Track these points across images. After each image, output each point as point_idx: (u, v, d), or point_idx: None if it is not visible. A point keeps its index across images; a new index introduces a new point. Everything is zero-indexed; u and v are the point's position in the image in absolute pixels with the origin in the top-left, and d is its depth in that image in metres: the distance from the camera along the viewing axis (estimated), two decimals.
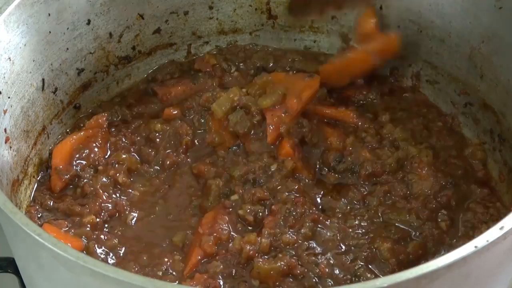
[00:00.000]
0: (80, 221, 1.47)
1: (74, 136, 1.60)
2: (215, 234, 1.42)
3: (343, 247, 1.43)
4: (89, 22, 1.65)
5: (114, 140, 1.62)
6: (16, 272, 1.42)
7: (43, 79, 1.59)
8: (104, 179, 1.54)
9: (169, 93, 1.73)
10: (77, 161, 1.57)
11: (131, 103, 1.75)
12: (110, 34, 1.71)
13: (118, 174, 1.54)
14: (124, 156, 1.58)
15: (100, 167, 1.56)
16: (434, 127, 1.66)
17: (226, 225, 1.44)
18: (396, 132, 1.61)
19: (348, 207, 1.50)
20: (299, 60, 1.81)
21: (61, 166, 1.55)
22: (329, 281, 1.36)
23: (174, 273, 1.40)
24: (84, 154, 1.57)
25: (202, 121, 1.65)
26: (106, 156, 1.59)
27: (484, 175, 1.58)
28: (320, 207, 1.51)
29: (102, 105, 1.74)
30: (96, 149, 1.58)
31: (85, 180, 1.54)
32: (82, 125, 1.67)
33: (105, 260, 1.42)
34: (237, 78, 1.76)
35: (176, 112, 1.67)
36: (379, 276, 1.36)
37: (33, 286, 1.37)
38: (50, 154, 1.60)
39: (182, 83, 1.75)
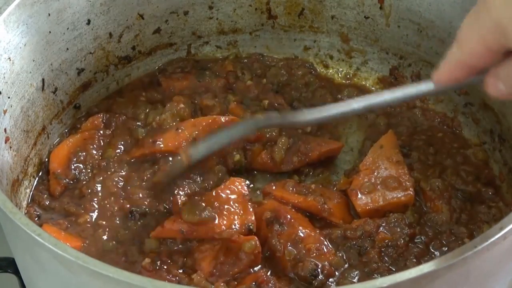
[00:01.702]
0: (75, 221, 1.47)
1: (71, 139, 1.59)
2: None
3: None
4: (89, 22, 1.65)
5: (109, 136, 1.62)
6: (16, 272, 1.42)
7: (43, 79, 1.59)
8: (101, 179, 1.54)
9: (173, 87, 1.73)
10: (75, 164, 1.57)
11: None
12: (110, 34, 1.71)
13: (113, 175, 1.54)
14: (115, 151, 1.58)
15: (95, 170, 1.55)
16: (436, 136, 1.65)
17: None
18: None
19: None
20: (312, 77, 1.81)
21: (59, 171, 1.55)
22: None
23: None
24: (81, 157, 1.57)
25: None
26: (101, 156, 1.59)
27: (487, 174, 1.58)
28: None
29: (98, 104, 1.74)
30: (93, 151, 1.58)
31: (83, 182, 1.54)
32: (79, 126, 1.66)
33: None
34: (249, 88, 1.76)
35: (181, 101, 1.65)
36: None
37: (33, 286, 1.37)
38: (48, 158, 1.60)
39: (187, 79, 1.75)
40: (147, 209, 1.49)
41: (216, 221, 1.39)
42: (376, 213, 1.46)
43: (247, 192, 1.45)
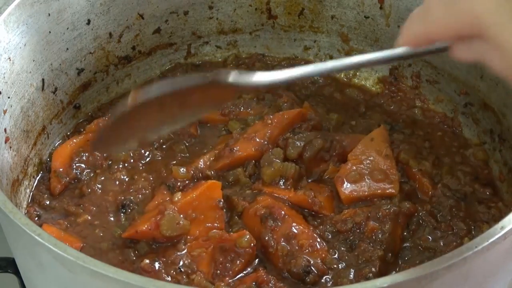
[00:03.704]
0: (75, 221, 1.48)
1: (74, 140, 1.60)
2: None
3: None
4: (89, 22, 1.65)
5: None
6: (16, 272, 1.42)
7: (43, 79, 1.59)
8: (102, 178, 1.54)
9: None
10: (77, 164, 1.57)
11: None
12: (110, 34, 1.71)
13: (116, 175, 1.54)
14: (121, 154, 1.58)
15: (98, 171, 1.56)
16: (435, 135, 1.66)
17: None
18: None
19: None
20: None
21: (61, 169, 1.55)
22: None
23: None
24: (84, 158, 1.57)
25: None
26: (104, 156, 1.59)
27: (487, 175, 1.57)
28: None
29: (102, 107, 1.74)
30: (96, 152, 1.58)
31: (84, 182, 1.54)
32: (82, 129, 1.66)
33: None
34: (258, 88, 1.76)
35: None
36: None
37: (33, 286, 1.37)
38: (50, 157, 1.60)
39: None
40: (137, 201, 1.50)
41: (190, 230, 1.39)
42: (360, 202, 1.47)
43: (221, 199, 1.44)
